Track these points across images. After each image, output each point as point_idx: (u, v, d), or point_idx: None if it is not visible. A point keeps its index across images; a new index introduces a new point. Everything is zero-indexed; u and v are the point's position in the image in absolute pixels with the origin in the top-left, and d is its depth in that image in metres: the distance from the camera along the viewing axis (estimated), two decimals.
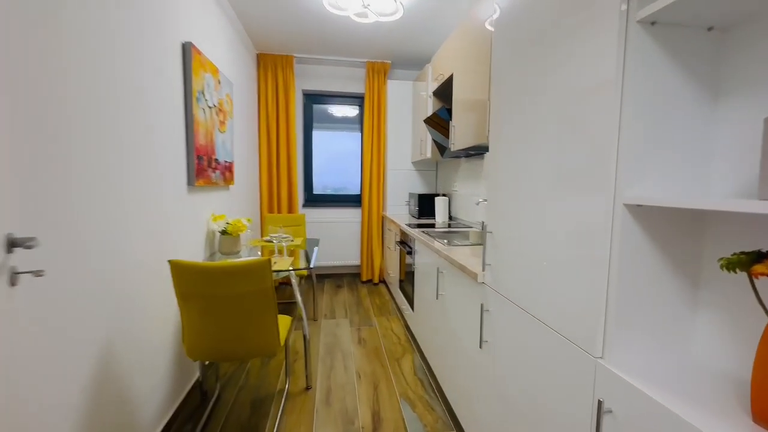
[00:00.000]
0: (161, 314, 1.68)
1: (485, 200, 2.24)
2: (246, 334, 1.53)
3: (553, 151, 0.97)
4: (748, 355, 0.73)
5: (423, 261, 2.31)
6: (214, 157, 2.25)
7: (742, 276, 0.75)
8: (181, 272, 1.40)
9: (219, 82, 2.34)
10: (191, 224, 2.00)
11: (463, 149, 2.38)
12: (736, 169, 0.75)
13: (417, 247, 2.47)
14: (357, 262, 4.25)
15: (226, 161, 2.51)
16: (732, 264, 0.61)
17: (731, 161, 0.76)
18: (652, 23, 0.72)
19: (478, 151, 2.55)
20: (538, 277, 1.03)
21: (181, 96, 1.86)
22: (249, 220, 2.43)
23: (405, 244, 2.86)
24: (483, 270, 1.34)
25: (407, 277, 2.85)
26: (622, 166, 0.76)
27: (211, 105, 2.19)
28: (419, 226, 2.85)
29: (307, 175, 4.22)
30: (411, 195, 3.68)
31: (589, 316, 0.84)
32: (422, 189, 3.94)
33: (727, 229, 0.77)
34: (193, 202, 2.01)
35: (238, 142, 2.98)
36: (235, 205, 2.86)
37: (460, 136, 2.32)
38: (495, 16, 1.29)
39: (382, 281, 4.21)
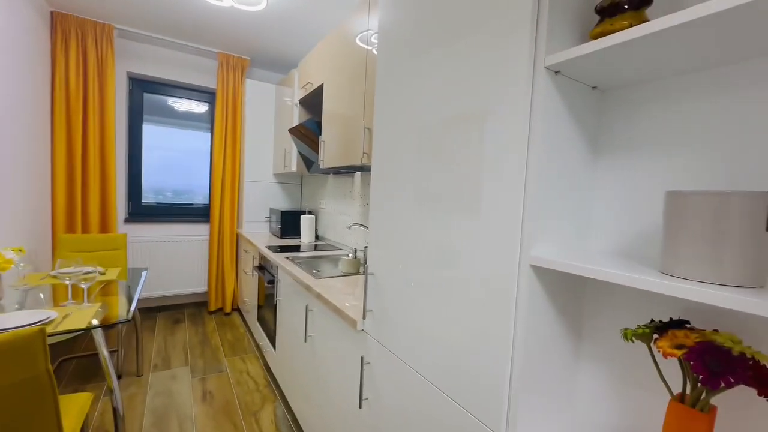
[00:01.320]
0: None
1: (358, 224, 2.11)
2: None
3: (451, 196, 0.86)
4: (630, 407, 0.76)
5: (288, 294, 2.00)
6: None
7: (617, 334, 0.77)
8: None
9: None
10: None
11: (332, 167, 2.20)
12: (611, 226, 0.78)
13: (280, 276, 2.14)
14: (203, 288, 3.53)
15: None
16: (637, 335, 0.59)
17: (608, 218, 0.79)
18: (556, 72, 0.68)
19: (348, 170, 2.41)
20: (430, 331, 0.91)
21: None
22: (19, 250, 1.63)
23: (265, 270, 2.47)
24: (363, 317, 1.16)
25: (267, 305, 2.47)
26: (527, 224, 0.69)
27: None
28: (283, 248, 2.51)
29: (133, 180, 3.29)
30: (273, 211, 3.28)
31: (491, 383, 0.74)
32: (285, 204, 3.59)
33: (602, 284, 0.79)
34: None
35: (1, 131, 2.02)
36: None
37: (330, 154, 2.13)
38: (372, 35, 1.15)
39: (236, 309, 3.63)
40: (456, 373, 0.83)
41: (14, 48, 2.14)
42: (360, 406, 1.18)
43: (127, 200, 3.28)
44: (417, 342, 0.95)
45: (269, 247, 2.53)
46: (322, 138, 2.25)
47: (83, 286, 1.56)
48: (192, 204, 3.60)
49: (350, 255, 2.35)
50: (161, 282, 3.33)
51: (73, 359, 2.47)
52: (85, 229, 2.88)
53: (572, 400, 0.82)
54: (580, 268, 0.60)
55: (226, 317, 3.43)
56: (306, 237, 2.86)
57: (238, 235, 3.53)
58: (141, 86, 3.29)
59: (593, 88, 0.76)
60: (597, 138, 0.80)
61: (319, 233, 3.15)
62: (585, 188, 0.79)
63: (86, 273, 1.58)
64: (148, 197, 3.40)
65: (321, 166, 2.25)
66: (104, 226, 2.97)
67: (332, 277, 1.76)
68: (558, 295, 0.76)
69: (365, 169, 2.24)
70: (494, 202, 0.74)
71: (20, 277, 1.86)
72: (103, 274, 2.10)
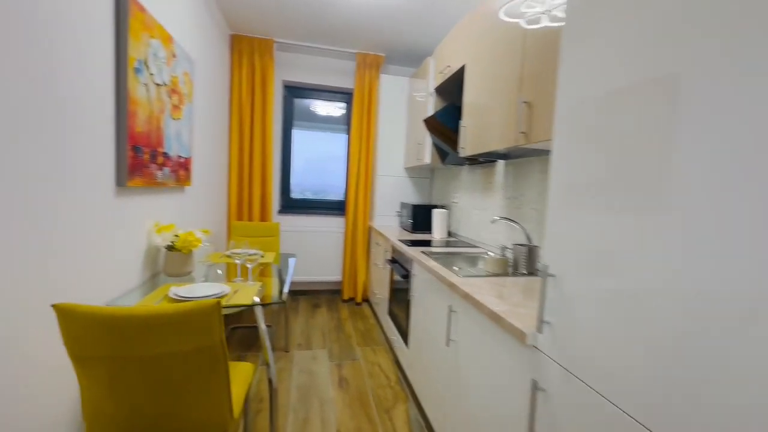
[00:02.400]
0: (53, 380, 1.15)
1: (506, 219, 1.84)
2: (180, 412, 1.04)
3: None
4: None
5: (424, 291, 1.87)
6: (161, 150, 1.73)
7: None
8: (74, 322, 0.89)
9: (174, 56, 1.83)
10: (121, 239, 1.48)
11: (474, 155, 1.97)
12: None
13: (416, 270, 2.03)
14: (338, 278, 3.76)
15: (180, 156, 1.99)
16: None
17: None
18: None
19: (488, 158, 2.15)
20: (665, 363, 0.61)
21: (110, 62, 1.35)
22: (206, 231, 1.92)
23: (398, 264, 2.41)
24: (539, 330, 0.91)
25: (398, 300, 2.41)
26: None
27: (159, 82, 1.68)
28: (415, 242, 2.41)
29: (284, 177, 3.72)
30: (404, 205, 3.25)
31: None
32: (415, 198, 3.52)
33: None
34: (124, 208, 1.49)
35: (201, 134, 2.45)
36: (192, 210, 2.33)
37: (472, 139, 1.91)
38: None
39: (366, 301, 3.74)
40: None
41: (215, 65, 2.59)
42: None
43: (280, 194, 3.71)
44: (639, 378, 0.66)
45: (402, 240, 2.47)
46: (462, 123, 2.05)
47: (249, 266, 1.73)
48: (331, 198, 3.87)
49: (492, 253, 2.10)
50: (304, 268, 3.66)
51: (238, 329, 2.89)
52: (250, 217, 3.36)
53: None
54: None
55: (357, 307, 3.57)
56: (438, 232, 2.71)
57: (370, 228, 3.63)
58: (293, 92, 3.68)
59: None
60: None
61: (451, 229, 2.96)
62: None
63: (251, 255, 1.75)
64: (294, 193, 3.79)
65: (461, 154, 2.05)
66: (263, 216, 3.42)
67: (477, 276, 1.55)
68: None
69: (512, 156, 1.95)
70: None
71: (206, 254, 2.22)
72: (263, 257, 2.36)
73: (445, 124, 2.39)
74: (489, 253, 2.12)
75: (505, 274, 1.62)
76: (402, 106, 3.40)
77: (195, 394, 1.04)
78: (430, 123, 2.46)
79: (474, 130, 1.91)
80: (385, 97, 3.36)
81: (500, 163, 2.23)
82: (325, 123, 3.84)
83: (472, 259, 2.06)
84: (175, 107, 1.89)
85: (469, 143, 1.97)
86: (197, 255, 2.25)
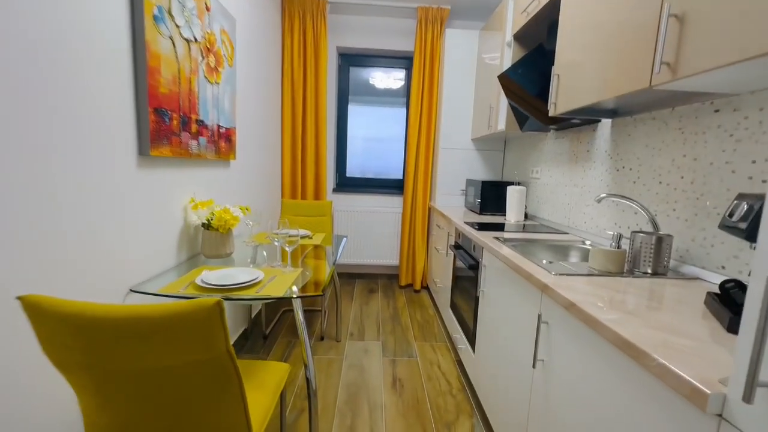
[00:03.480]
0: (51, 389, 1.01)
1: (619, 197, 1.34)
2: (186, 430, 0.82)
3: None
4: None
5: (499, 287, 1.48)
6: (194, 116, 1.54)
7: None
8: (42, 320, 0.69)
9: (207, 8, 1.61)
10: (148, 215, 1.31)
11: (568, 113, 1.48)
12: None
13: (486, 260, 1.63)
14: (395, 262, 3.48)
15: (221, 126, 1.80)
16: None
17: None
18: None
19: (587, 117, 1.64)
20: None
21: (125, 6, 1.15)
22: (245, 209, 1.72)
23: (463, 251, 2.03)
24: (745, 397, 0.49)
25: (463, 292, 2.03)
26: None
27: (188, 36, 1.47)
28: (484, 226, 2.00)
29: (340, 154, 3.48)
30: (470, 182, 2.81)
31: None
32: (484, 174, 3.05)
33: None
34: (150, 181, 1.32)
35: (246, 104, 2.27)
36: (238, 187, 2.18)
37: (569, 90, 1.42)
38: None
39: (425, 287, 3.42)
40: None
41: (264, 29, 2.39)
42: None
43: (335, 172, 3.50)
44: None
45: (468, 223, 2.07)
46: (555, 70, 1.55)
47: (288, 249, 1.49)
48: (388, 176, 3.56)
49: (590, 243, 1.61)
50: (359, 250, 3.43)
51: (290, 311, 2.76)
52: (303, 196, 3.19)
53: None
54: None
55: (415, 294, 3.26)
56: (513, 214, 2.25)
57: (430, 209, 3.26)
58: (348, 60, 3.38)
59: None
60: None
61: (529, 211, 2.46)
62: None
63: (291, 236, 1.50)
64: (351, 171, 3.55)
65: (552, 112, 1.57)
66: (317, 194, 3.23)
67: (578, 275, 1.12)
68: None
69: (626, 110, 1.43)
70: None
71: (252, 234, 2.06)
72: (310, 238, 2.13)
73: (521, 86, 1.90)
74: (586, 242, 1.64)
75: (620, 272, 1.16)
76: (470, 66, 2.90)
77: (201, 413, 0.81)
78: (505, 81, 1.98)
79: (573, 77, 1.41)
80: (451, 57, 2.89)
81: (604, 124, 1.70)
82: (384, 96, 3.48)
83: (563, 250, 1.60)
84: (212, 69, 1.69)
85: (562, 97, 1.48)
86: (242, 234, 2.09)
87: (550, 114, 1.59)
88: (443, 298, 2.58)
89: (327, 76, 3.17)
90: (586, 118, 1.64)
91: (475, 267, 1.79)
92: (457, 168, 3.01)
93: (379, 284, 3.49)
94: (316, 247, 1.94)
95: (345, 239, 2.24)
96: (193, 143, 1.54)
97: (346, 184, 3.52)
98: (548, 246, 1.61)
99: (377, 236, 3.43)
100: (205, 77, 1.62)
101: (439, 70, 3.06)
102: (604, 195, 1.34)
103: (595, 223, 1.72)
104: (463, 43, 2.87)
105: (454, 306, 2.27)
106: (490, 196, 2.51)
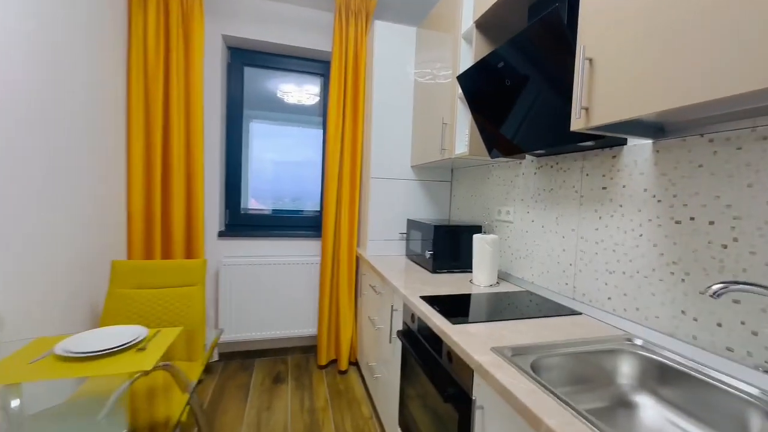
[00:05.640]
0: None
1: (743, 284, 0.65)
2: None
3: None
4: None
5: None
6: None
7: None
8: None
9: None
10: None
11: (599, 129, 0.84)
12: None
13: (483, 397, 0.85)
14: (312, 331, 2.53)
15: None
16: None
17: None
18: None
19: (615, 133, 1.02)
20: None
21: None
22: None
23: (427, 349, 1.23)
24: None
25: (412, 383, 1.21)
26: None
27: None
28: (452, 306, 1.24)
29: (231, 184, 2.48)
30: (414, 224, 2.07)
31: None
32: (430, 212, 2.34)
33: None
34: None
35: (32, 99, 1.20)
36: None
37: (626, 85, 0.76)
38: None
39: (354, 364, 2.53)
40: None
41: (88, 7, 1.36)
42: None
43: (224, 208, 2.47)
44: None
45: (428, 301, 1.29)
46: (582, 53, 0.90)
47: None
48: (302, 212, 2.66)
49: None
50: (260, 321, 2.41)
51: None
52: (166, 248, 2.09)
53: None
54: None
55: (341, 377, 2.35)
56: (484, 275, 1.55)
57: (358, 258, 2.43)
58: (241, 57, 2.46)
59: None
60: None
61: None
62: None
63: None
64: (249, 207, 2.56)
65: (581, 125, 0.90)
66: (189, 246, 2.16)
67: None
68: None
69: (672, 130, 0.82)
70: None
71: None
72: (143, 346, 1.11)
73: (494, 90, 1.25)
74: (635, 340, 0.96)
75: None
76: (408, 71, 2.23)
77: None
78: (469, 84, 1.31)
79: (624, 62, 0.77)
80: (382, 60, 2.19)
81: (633, 148, 1.10)
82: (297, 113, 2.63)
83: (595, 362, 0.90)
84: None
85: (602, 98, 0.83)
86: None
87: (576, 128, 0.92)
88: (383, 394, 1.73)
89: (204, 74, 2.22)
90: (613, 135, 1.02)
91: (457, 398, 0.99)
92: (393, 204, 2.26)
93: (289, 365, 2.48)
94: (153, 368, 0.94)
95: (218, 331, 1.27)
96: None
97: (241, 224, 2.52)
98: (592, 359, 0.90)
99: (286, 298, 2.46)
100: None
101: (366, 77, 2.34)
102: (721, 285, 0.67)
103: (633, 303, 1.08)
104: (398, 41, 2.20)
105: (403, 422, 1.43)
106: (446, 246, 1.79)
